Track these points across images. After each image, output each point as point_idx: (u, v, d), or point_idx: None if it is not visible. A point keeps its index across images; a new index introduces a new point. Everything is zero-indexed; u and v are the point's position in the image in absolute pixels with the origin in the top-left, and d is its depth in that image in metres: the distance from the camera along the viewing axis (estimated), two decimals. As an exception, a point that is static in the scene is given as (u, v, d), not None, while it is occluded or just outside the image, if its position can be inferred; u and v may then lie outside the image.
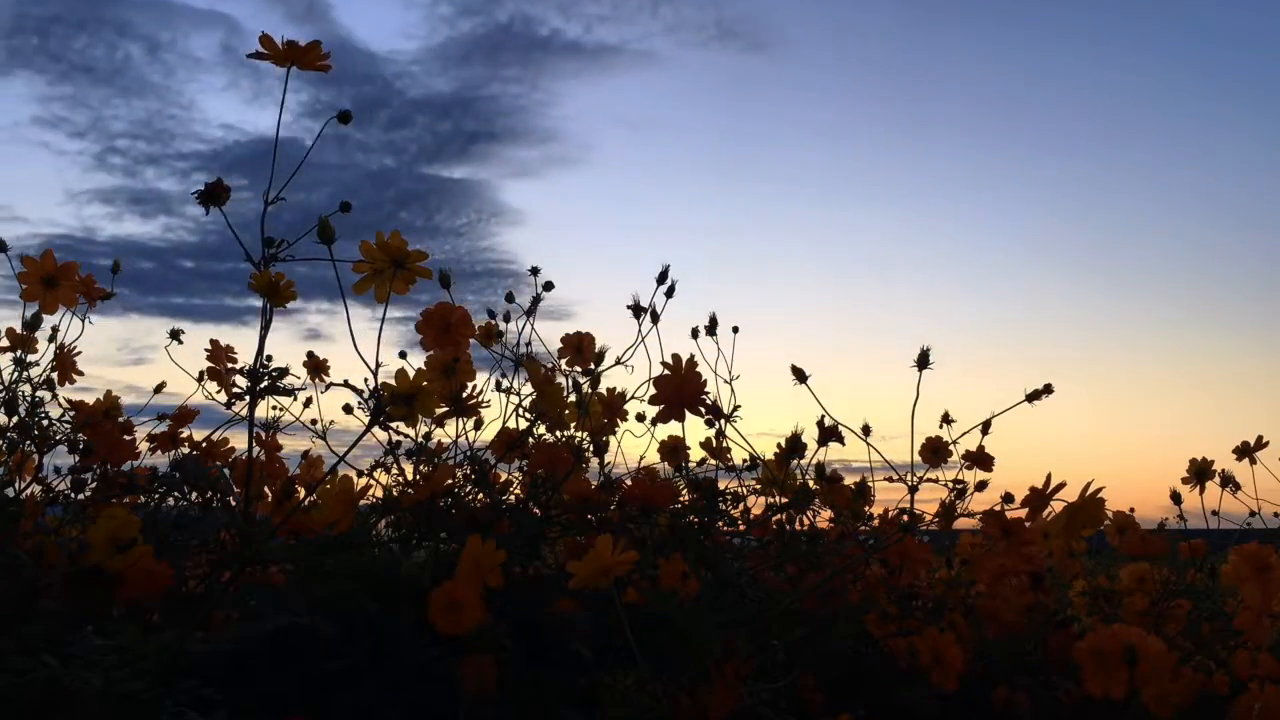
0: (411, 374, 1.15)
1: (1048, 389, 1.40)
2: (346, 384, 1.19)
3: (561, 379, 1.52)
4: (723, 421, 1.55)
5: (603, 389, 1.53)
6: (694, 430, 1.57)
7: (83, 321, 1.45)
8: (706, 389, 1.35)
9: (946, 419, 1.54)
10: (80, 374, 1.48)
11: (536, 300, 1.58)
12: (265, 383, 1.14)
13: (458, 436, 1.50)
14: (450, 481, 1.26)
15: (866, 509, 1.58)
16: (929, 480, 1.47)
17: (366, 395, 1.14)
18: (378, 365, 1.14)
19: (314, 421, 1.74)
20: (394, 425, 1.24)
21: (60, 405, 1.44)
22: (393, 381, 1.15)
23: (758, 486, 1.59)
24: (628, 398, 1.54)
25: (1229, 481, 1.63)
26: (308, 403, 1.73)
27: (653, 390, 1.35)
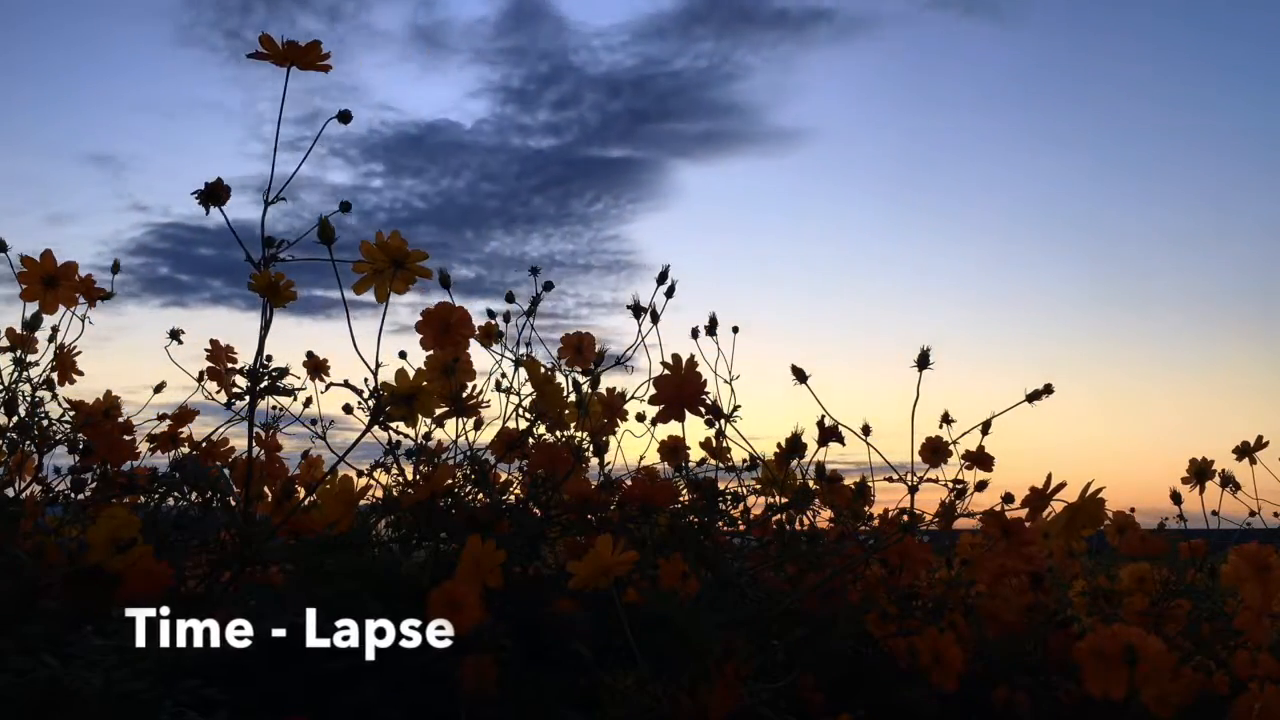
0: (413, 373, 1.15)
1: (1048, 389, 1.40)
2: (346, 384, 1.19)
3: (561, 378, 1.52)
4: (723, 421, 1.55)
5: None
6: (694, 430, 1.57)
7: (83, 322, 1.45)
8: (706, 389, 1.35)
9: (946, 419, 1.54)
10: (80, 374, 1.48)
11: (536, 300, 1.58)
12: (265, 383, 1.14)
13: (458, 436, 1.50)
14: (450, 481, 1.26)
15: (866, 509, 1.58)
16: (929, 480, 1.47)
17: (366, 395, 1.14)
18: (378, 365, 1.14)
19: (314, 421, 1.75)
20: (394, 425, 1.24)
21: (60, 405, 1.44)
22: (394, 381, 1.15)
23: (758, 486, 1.59)
24: (628, 398, 1.54)
25: (1229, 481, 1.63)
26: (308, 402, 1.73)
27: (653, 390, 1.35)
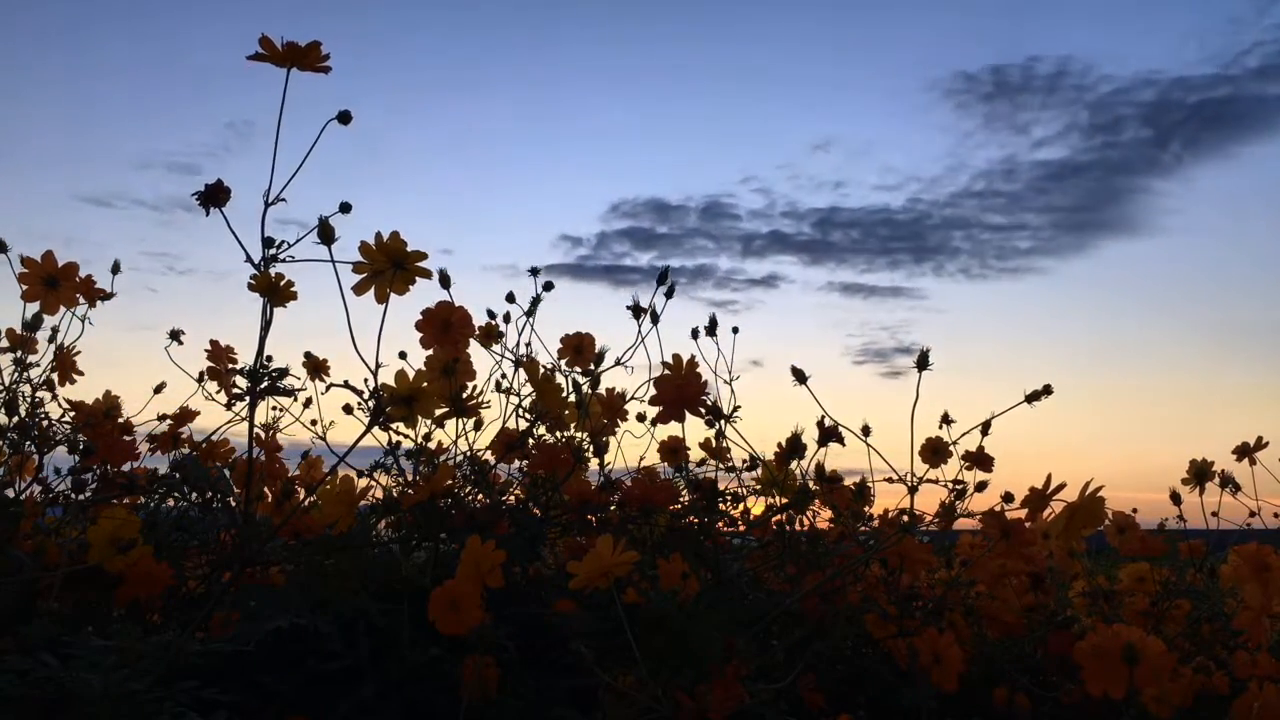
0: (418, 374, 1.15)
1: (1047, 390, 1.40)
2: (346, 384, 1.19)
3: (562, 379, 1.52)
4: (722, 422, 1.54)
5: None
6: (694, 430, 1.57)
7: (82, 322, 1.45)
8: (707, 389, 1.35)
9: (946, 419, 1.53)
10: (80, 374, 1.48)
11: (536, 301, 1.58)
12: (265, 383, 1.14)
13: (457, 437, 1.50)
14: (450, 482, 1.26)
15: (866, 509, 1.58)
16: (929, 481, 1.47)
17: (366, 396, 1.14)
18: (378, 366, 1.14)
19: (314, 422, 1.75)
20: (394, 426, 1.24)
21: (60, 406, 1.44)
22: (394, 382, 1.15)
23: (757, 487, 1.59)
24: (628, 398, 1.54)
25: (1229, 482, 1.63)
26: (308, 403, 1.73)
27: (653, 391, 1.35)
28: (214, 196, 1.03)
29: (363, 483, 1.27)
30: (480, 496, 1.41)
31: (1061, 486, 1.23)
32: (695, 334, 1.60)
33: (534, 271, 1.59)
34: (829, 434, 1.43)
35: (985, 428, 1.50)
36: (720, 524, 1.49)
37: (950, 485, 1.51)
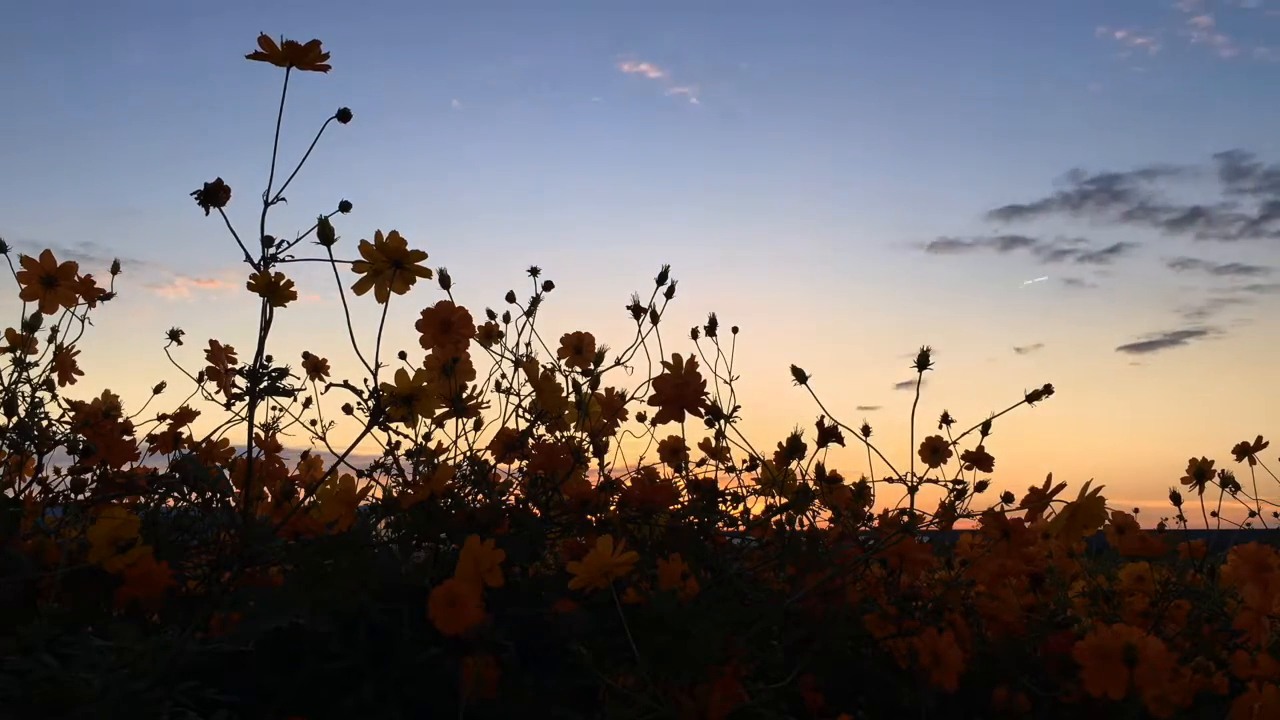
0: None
1: (1048, 389, 1.40)
2: (346, 384, 1.19)
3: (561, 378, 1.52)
4: (722, 422, 1.54)
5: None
6: (694, 430, 1.56)
7: (82, 322, 1.45)
8: (706, 389, 1.35)
9: (946, 419, 1.53)
10: (80, 373, 1.48)
11: (536, 301, 1.58)
12: (265, 383, 1.14)
13: (457, 437, 1.50)
14: (450, 482, 1.26)
15: (866, 509, 1.58)
16: (929, 481, 1.47)
17: (366, 396, 1.14)
18: (378, 366, 1.14)
19: (314, 422, 1.75)
20: (394, 426, 1.24)
21: (60, 405, 1.44)
22: (394, 382, 1.15)
23: (757, 487, 1.59)
24: (628, 398, 1.54)
25: (1229, 482, 1.63)
26: (307, 403, 1.73)
27: (652, 390, 1.34)
28: (213, 195, 1.03)
29: (363, 483, 1.27)
30: (480, 496, 1.41)
31: (1061, 486, 1.23)
32: (695, 334, 1.60)
33: (533, 271, 1.59)
34: (828, 434, 1.43)
35: (985, 427, 1.50)
36: (720, 524, 1.49)
37: (950, 485, 1.51)
